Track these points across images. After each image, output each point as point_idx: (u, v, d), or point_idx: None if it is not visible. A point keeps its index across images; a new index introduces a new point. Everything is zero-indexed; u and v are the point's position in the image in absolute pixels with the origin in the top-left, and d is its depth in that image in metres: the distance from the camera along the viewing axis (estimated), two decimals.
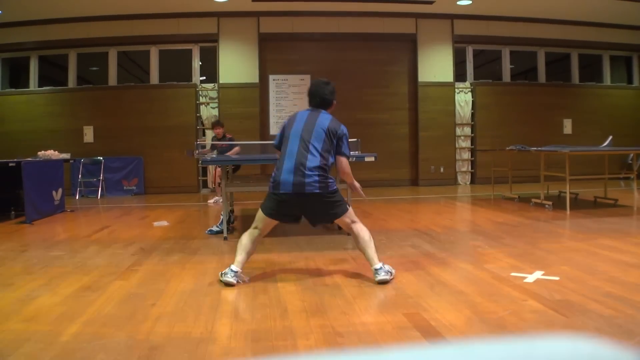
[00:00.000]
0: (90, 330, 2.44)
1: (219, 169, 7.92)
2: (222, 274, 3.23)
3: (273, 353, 2.16)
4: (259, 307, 2.77)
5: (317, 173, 3.21)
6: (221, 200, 8.62)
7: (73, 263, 3.93)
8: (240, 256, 3.24)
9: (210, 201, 8.30)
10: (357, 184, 3.63)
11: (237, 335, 2.36)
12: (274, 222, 3.35)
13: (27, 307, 2.82)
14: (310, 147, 3.27)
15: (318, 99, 3.64)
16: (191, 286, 3.22)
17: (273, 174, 3.33)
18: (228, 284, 3.16)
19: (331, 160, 3.35)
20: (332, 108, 3.73)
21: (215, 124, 8.02)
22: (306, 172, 3.19)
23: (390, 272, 3.26)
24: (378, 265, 3.23)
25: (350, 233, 3.51)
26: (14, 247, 4.63)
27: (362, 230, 3.38)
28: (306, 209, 3.33)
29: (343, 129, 3.47)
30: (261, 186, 6.84)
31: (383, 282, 3.16)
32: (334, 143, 3.40)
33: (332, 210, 3.34)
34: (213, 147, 8.04)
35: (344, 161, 3.44)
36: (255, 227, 3.33)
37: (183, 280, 3.37)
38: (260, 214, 3.33)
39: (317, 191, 3.20)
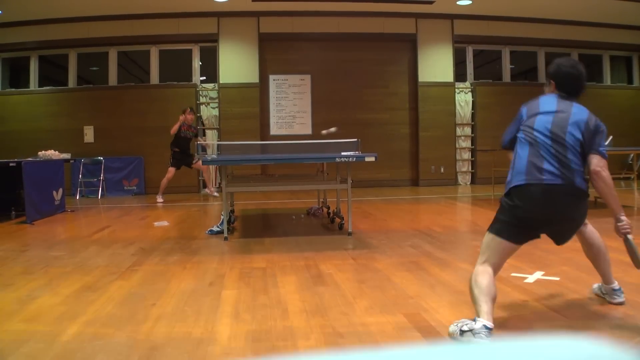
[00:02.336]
0: (91, 330, 2.44)
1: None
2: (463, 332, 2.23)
3: (273, 353, 2.16)
4: (259, 307, 2.77)
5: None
6: (216, 193, 8.79)
7: (73, 263, 3.93)
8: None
9: (214, 193, 8.82)
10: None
11: (237, 335, 2.36)
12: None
13: (27, 307, 2.82)
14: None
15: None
16: (191, 286, 3.22)
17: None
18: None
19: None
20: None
21: (191, 110, 8.59)
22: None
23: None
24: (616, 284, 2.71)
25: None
26: (15, 247, 4.63)
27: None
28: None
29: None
30: (261, 186, 6.87)
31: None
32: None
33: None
34: (180, 130, 8.48)
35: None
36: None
37: (183, 280, 3.37)
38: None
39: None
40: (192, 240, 4.85)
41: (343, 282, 3.25)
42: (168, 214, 6.81)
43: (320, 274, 3.47)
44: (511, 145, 2.59)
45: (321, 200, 6.80)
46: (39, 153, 7.03)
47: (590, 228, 2.82)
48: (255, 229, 5.79)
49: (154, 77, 10.21)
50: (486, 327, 2.19)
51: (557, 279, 3.18)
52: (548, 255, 3.90)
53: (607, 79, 11.52)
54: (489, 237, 2.45)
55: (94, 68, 10.69)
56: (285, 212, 6.89)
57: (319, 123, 10.24)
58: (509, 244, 2.41)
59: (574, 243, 4.38)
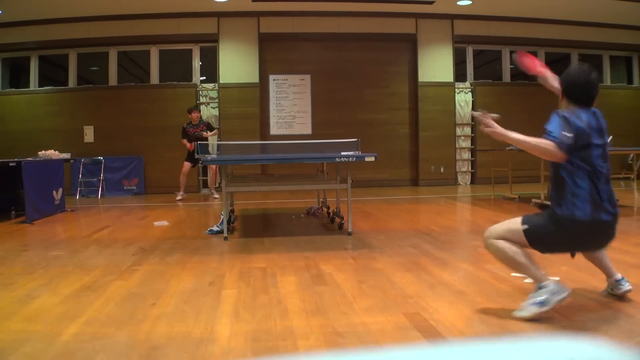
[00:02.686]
0: (91, 330, 2.44)
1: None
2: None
3: (273, 353, 2.16)
4: (259, 307, 2.77)
5: None
6: (216, 195, 8.79)
7: (73, 263, 3.93)
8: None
9: (215, 195, 8.77)
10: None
11: (237, 335, 2.36)
12: None
13: (27, 306, 2.82)
14: None
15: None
16: (191, 286, 3.22)
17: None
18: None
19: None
20: None
21: (194, 109, 8.58)
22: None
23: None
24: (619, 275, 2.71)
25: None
26: (14, 247, 4.63)
27: None
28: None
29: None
30: (261, 186, 6.87)
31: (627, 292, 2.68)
32: None
33: None
34: (185, 133, 8.54)
35: None
36: None
37: (183, 280, 3.37)
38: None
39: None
40: (192, 240, 4.85)
41: (343, 282, 3.25)
42: (168, 213, 6.81)
43: (320, 274, 3.47)
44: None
45: (321, 200, 6.80)
46: (39, 153, 7.03)
47: None
48: (255, 229, 5.79)
49: (154, 77, 10.22)
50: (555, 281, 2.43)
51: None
52: (548, 255, 3.90)
53: (607, 79, 11.52)
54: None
55: (94, 68, 10.69)
56: (285, 212, 6.89)
57: (319, 123, 10.26)
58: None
59: None
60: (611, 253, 3.87)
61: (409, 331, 2.37)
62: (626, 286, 2.68)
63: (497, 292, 2.94)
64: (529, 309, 2.41)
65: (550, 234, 2.50)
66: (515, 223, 2.58)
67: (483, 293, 2.93)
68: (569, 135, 2.40)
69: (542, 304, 2.38)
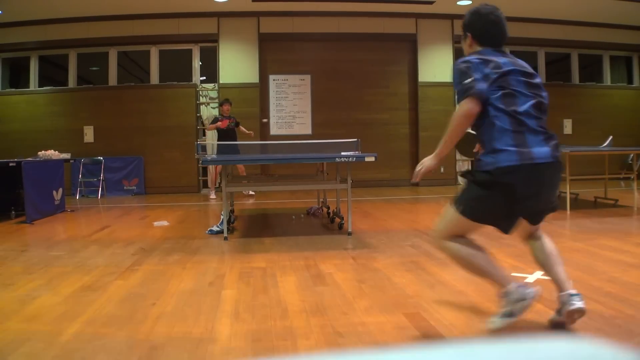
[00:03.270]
0: (91, 330, 2.44)
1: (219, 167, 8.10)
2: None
3: (273, 353, 2.16)
4: (259, 307, 2.77)
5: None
6: (212, 195, 8.79)
7: (73, 263, 3.93)
8: None
9: (213, 197, 8.69)
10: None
11: (237, 335, 2.36)
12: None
13: (27, 306, 2.83)
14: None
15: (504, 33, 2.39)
16: (191, 286, 3.23)
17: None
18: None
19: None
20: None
21: (225, 102, 8.55)
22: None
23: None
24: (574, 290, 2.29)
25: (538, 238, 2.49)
26: (14, 247, 4.64)
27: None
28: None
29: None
30: (261, 186, 6.87)
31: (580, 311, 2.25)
32: None
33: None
34: (216, 120, 8.44)
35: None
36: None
37: (183, 280, 3.37)
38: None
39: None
40: (192, 240, 4.85)
41: (343, 282, 3.25)
42: (168, 214, 6.81)
43: (320, 274, 3.47)
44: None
45: (321, 200, 6.80)
46: (39, 153, 7.03)
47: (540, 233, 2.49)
48: (255, 228, 5.79)
49: (154, 77, 10.21)
50: (518, 286, 2.20)
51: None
52: None
53: (607, 79, 11.52)
54: None
55: (94, 68, 10.69)
56: (285, 212, 6.89)
57: (319, 123, 10.25)
58: None
59: (574, 243, 4.40)
60: (611, 253, 3.88)
61: (409, 331, 2.37)
62: (578, 304, 2.21)
63: (497, 292, 2.94)
64: (497, 321, 2.21)
65: (487, 198, 2.17)
66: (450, 212, 2.29)
67: (483, 293, 2.93)
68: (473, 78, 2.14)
69: (508, 315, 2.19)
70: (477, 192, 2.19)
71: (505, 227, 2.23)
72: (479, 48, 2.37)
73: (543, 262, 2.44)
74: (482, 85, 2.14)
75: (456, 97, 2.27)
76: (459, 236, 2.28)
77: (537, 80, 2.27)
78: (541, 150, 2.11)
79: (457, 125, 2.23)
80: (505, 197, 2.12)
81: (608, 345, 0.44)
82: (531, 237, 2.39)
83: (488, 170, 2.14)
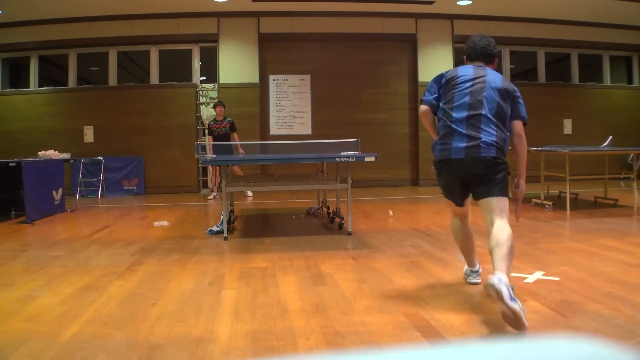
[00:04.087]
0: (91, 330, 2.44)
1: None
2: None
3: (273, 353, 2.16)
4: (259, 307, 2.77)
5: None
6: (210, 195, 8.74)
7: (73, 263, 3.93)
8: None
9: (210, 196, 8.69)
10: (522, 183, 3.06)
11: (237, 335, 2.36)
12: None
13: (27, 307, 2.83)
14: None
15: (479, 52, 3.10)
16: (191, 286, 3.23)
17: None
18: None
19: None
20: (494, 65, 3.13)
21: (218, 104, 8.46)
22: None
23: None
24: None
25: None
26: (14, 247, 4.64)
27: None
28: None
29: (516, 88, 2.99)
30: (261, 186, 6.87)
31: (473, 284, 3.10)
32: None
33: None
34: (210, 130, 8.44)
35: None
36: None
37: (183, 280, 3.37)
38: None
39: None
40: (192, 240, 4.85)
41: (343, 282, 3.25)
42: (168, 214, 6.81)
43: (320, 274, 3.47)
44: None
45: (321, 200, 6.80)
46: (39, 153, 7.03)
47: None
48: (255, 229, 5.79)
49: (154, 77, 10.21)
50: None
51: (557, 279, 3.18)
52: (548, 255, 3.91)
53: (607, 79, 11.52)
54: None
55: (94, 68, 10.69)
56: (285, 212, 6.89)
57: (319, 123, 10.25)
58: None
59: (574, 243, 4.40)
60: (611, 253, 3.88)
61: (409, 331, 2.37)
62: (473, 279, 3.12)
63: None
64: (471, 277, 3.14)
65: (438, 179, 3.11)
66: None
67: (483, 293, 2.93)
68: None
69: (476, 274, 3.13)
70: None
71: (455, 200, 3.05)
72: (467, 63, 3.21)
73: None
74: (427, 96, 3.09)
75: None
76: (456, 215, 3.13)
77: (494, 92, 2.86)
78: (458, 149, 2.78)
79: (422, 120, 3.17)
80: (441, 179, 3.05)
81: (608, 345, 0.44)
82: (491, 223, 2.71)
83: (433, 160, 3.04)
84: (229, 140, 8.30)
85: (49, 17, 9.48)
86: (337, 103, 10.26)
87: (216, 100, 9.17)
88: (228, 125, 8.40)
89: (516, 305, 2.20)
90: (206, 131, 9.44)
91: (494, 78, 2.91)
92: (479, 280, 3.10)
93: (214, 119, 8.53)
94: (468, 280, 3.15)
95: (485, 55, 3.10)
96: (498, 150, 2.77)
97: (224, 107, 8.49)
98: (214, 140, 8.32)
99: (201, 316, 2.62)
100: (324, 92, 10.28)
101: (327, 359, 0.43)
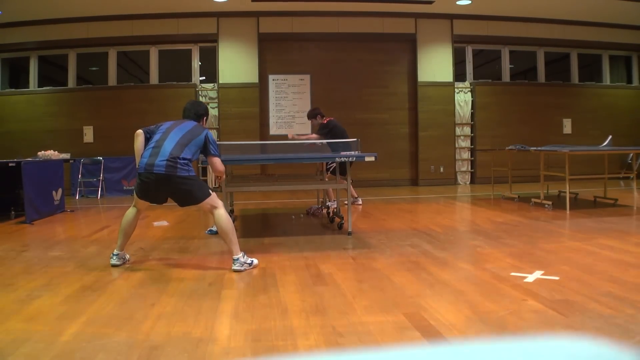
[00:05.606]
0: (91, 330, 2.44)
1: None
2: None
3: (273, 353, 2.16)
4: (259, 307, 2.77)
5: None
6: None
7: (73, 263, 3.93)
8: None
9: None
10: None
11: (237, 335, 2.36)
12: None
13: (27, 307, 2.82)
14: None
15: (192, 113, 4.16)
16: (191, 286, 3.23)
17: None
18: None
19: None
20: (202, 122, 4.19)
21: (310, 115, 7.35)
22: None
23: (248, 264, 3.65)
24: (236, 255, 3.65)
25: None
26: (14, 247, 4.63)
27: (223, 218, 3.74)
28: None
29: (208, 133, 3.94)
30: (261, 186, 6.86)
31: (237, 271, 3.58)
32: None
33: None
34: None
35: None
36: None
37: (183, 280, 3.37)
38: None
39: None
40: (192, 240, 4.84)
41: (343, 282, 3.25)
42: (167, 214, 6.81)
43: (320, 274, 3.47)
44: None
45: (321, 200, 6.80)
46: (39, 153, 7.03)
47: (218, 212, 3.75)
48: (255, 229, 5.79)
49: (154, 77, 10.21)
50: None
51: (557, 278, 3.18)
52: (548, 254, 3.91)
53: (607, 79, 11.53)
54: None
55: (94, 68, 10.69)
56: (285, 212, 6.89)
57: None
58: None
59: (573, 243, 4.40)
60: (611, 252, 3.89)
61: (408, 331, 2.37)
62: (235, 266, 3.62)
63: (497, 292, 2.94)
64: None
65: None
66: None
67: (483, 293, 2.93)
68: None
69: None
70: None
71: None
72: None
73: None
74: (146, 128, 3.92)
75: None
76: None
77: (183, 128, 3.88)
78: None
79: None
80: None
81: (608, 345, 0.44)
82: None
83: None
84: None
85: (48, 17, 9.48)
86: (336, 103, 10.25)
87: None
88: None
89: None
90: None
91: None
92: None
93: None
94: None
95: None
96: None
97: (315, 117, 7.22)
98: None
99: (201, 316, 2.62)
100: (324, 92, 10.28)
101: (327, 359, 0.43)
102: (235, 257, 3.63)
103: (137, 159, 3.78)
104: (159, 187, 3.69)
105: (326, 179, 6.41)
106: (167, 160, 3.61)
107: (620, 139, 9.37)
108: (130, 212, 3.93)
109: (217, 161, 3.89)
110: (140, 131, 3.86)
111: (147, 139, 3.83)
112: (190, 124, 3.93)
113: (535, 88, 11.05)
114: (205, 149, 3.85)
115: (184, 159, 3.66)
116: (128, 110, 9.87)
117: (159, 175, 3.61)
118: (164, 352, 2.17)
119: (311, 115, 7.38)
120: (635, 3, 9.41)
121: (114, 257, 3.81)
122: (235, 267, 3.59)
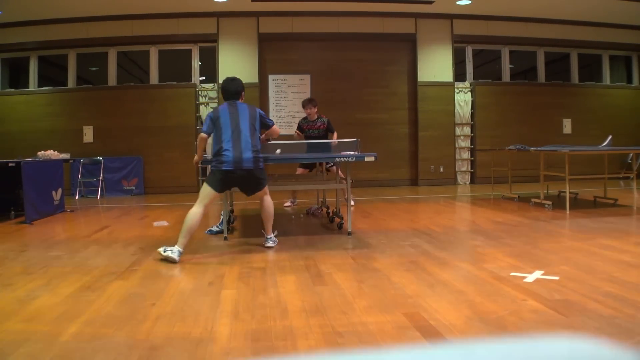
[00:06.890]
0: (90, 330, 2.44)
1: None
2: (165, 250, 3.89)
3: (273, 353, 2.16)
4: (259, 307, 2.77)
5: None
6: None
7: (73, 263, 3.93)
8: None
9: (287, 204, 7.48)
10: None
11: (237, 335, 2.36)
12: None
13: (27, 307, 2.82)
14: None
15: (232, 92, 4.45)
16: (191, 286, 3.23)
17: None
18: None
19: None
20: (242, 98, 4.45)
21: (307, 102, 7.03)
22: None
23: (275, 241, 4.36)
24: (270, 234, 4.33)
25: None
26: (14, 247, 4.63)
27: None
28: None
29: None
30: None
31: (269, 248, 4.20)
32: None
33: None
34: (301, 129, 7.11)
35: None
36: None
37: (183, 280, 3.37)
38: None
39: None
40: (192, 240, 4.84)
41: (342, 282, 3.25)
42: (167, 214, 6.81)
43: (320, 274, 3.47)
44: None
45: (320, 200, 6.80)
46: (39, 153, 7.02)
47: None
48: (255, 229, 5.78)
49: (154, 77, 10.21)
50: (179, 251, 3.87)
51: (557, 278, 3.18)
52: (548, 254, 3.91)
53: (607, 79, 11.53)
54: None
55: (94, 68, 10.69)
56: (285, 212, 6.89)
57: None
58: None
59: (574, 243, 4.40)
60: (611, 252, 3.89)
61: (408, 331, 2.37)
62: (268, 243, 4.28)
63: (497, 292, 2.94)
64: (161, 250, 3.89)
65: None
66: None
67: (483, 293, 2.93)
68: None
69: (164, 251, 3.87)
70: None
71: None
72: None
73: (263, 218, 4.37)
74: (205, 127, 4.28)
75: None
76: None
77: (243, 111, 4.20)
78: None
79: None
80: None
81: (608, 345, 0.44)
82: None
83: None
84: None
85: (48, 17, 9.48)
86: (336, 103, 10.25)
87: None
88: (324, 126, 7.05)
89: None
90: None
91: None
92: None
93: (305, 119, 7.17)
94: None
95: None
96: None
97: (315, 105, 7.08)
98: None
99: (201, 316, 2.62)
100: (324, 92, 10.27)
101: (327, 359, 0.43)
102: (268, 236, 4.29)
103: (200, 155, 4.32)
104: (241, 180, 4.00)
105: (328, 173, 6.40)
106: (252, 153, 3.93)
107: (620, 139, 9.37)
108: (197, 212, 4.04)
109: (276, 128, 4.38)
110: (204, 135, 4.21)
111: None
112: (242, 107, 4.17)
113: (535, 88, 11.04)
114: (263, 124, 4.16)
115: (259, 150, 4.00)
116: (128, 110, 9.88)
117: (249, 171, 3.95)
118: (164, 352, 2.17)
119: (315, 103, 7.04)
120: (635, 3, 9.41)
121: (175, 252, 3.84)
122: (269, 243, 4.28)
